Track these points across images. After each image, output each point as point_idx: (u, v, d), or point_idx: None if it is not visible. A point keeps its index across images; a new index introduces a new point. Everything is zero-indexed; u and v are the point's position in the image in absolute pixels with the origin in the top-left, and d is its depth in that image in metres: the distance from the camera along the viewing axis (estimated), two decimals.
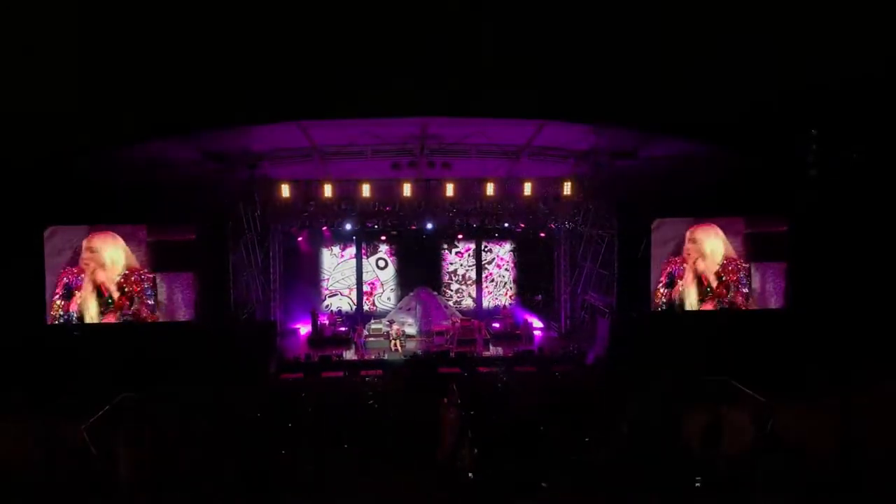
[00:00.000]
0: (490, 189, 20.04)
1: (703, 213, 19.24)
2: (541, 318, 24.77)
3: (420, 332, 23.36)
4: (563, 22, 11.03)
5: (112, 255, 17.89)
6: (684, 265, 19.26)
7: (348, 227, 23.21)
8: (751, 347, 17.09)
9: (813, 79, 12.22)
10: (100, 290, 17.88)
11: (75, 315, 17.75)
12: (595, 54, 11.70)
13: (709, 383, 14.98)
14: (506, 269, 26.71)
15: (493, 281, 26.71)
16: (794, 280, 19.17)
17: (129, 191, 17.20)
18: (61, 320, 17.65)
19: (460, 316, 24.30)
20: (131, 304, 17.96)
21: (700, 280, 19.39)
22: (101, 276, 17.86)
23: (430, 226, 22.69)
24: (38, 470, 10.91)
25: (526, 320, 24.00)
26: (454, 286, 26.47)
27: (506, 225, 24.32)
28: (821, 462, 10.36)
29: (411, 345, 22.08)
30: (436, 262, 26.24)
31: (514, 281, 26.66)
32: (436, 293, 25.34)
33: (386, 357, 20.59)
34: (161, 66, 11.27)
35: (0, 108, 12.07)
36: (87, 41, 10.41)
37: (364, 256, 26.04)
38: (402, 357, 20.43)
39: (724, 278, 19.40)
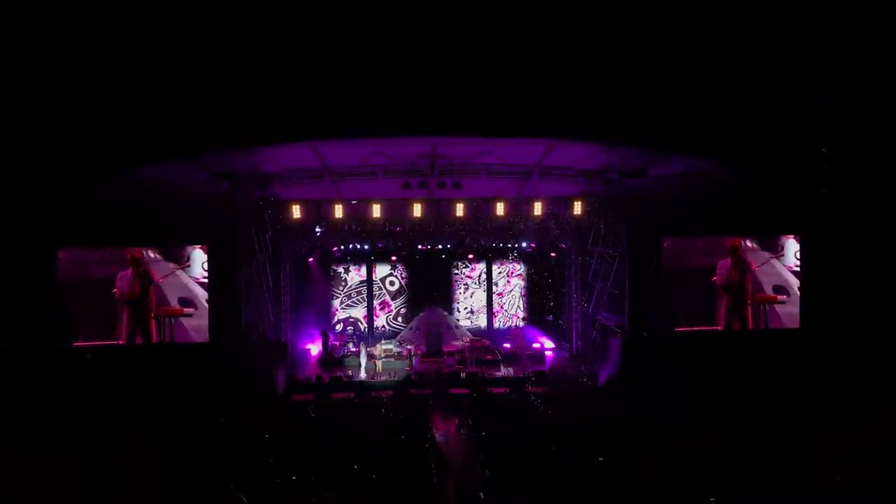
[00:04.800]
0: (500, 209, 20.06)
1: (716, 232, 19.13)
2: (552, 339, 24.63)
3: (430, 352, 23.27)
4: (570, 41, 11.09)
5: None
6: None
7: (359, 247, 23.26)
8: (764, 367, 16.91)
9: (822, 93, 12.20)
10: None
11: None
12: (604, 72, 11.75)
13: (722, 403, 14.80)
14: (516, 289, 26.65)
15: (503, 301, 26.64)
16: (808, 298, 18.97)
17: (140, 213, 17.31)
18: None
19: (471, 336, 24.22)
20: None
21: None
22: None
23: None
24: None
25: (537, 340, 23.88)
26: (465, 306, 26.42)
27: (517, 245, 24.31)
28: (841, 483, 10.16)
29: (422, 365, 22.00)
30: (446, 282, 26.22)
31: (525, 301, 26.58)
32: (446, 313, 25.29)
33: (396, 378, 20.52)
34: (172, 86, 11.40)
35: (14, 127, 12.20)
36: (99, 63, 10.56)
37: (374, 277, 26.06)
38: (413, 378, 20.36)
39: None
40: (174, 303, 18.17)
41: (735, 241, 18.96)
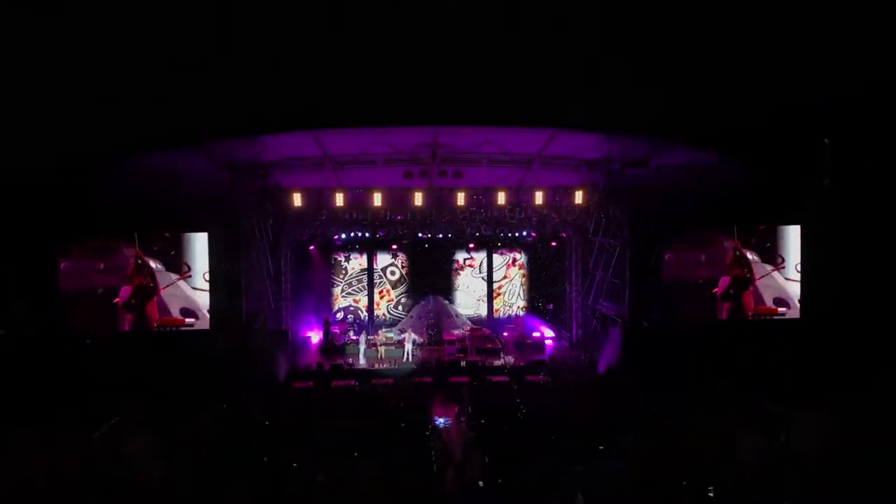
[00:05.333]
0: (501, 198, 20.04)
1: (716, 223, 19.14)
2: (552, 328, 24.68)
3: (431, 340, 23.33)
4: (575, 32, 11.05)
5: None
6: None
7: (359, 235, 23.27)
8: (764, 356, 16.96)
9: (824, 86, 12.18)
10: None
11: None
12: (606, 63, 11.73)
13: (721, 393, 14.88)
14: (517, 279, 26.68)
15: (503, 290, 26.68)
16: (808, 288, 19.01)
17: (141, 202, 17.32)
18: None
19: (471, 325, 24.27)
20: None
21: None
22: None
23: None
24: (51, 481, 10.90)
25: (537, 329, 23.94)
26: (465, 295, 26.45)
27: (517, 234, 24.32)
28: (834, 471, 10.23)
29: (422, 353, 22.09)
30: (447, 271, 26.25)
31: (526, 290, 26.62)
32: (447, 302, 25.33)
33: (397, 366, 20.60)
34: (174, 75, 11.39)
35: (17, 117, 12.18)
36: (103, 52, 10.53)
37: (375, 265, 26.09)
38: (412, 366, 20.45)
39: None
40: (176, 313, 18.22)
41: (735, 254, 19.10)
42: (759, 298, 19.17)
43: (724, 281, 19.06)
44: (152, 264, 17.93)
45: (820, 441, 11.24)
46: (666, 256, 18.93)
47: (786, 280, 19.14)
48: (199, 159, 16.96)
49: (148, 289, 17.95)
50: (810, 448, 11.17)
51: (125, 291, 17.90)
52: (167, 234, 18.17)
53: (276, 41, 10.72)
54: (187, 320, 18.17)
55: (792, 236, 19.12)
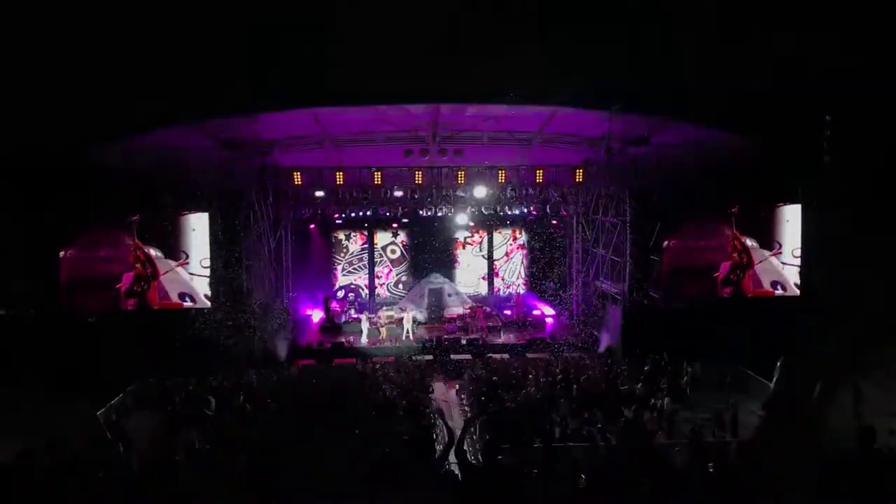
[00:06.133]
0: (502, 176, 19.99)
1: (717, 201, 19.11)
2: (553, 306, 24.75)
3: (431, 318, 23.40)
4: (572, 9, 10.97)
5: None
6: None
7: (360, 214, 23.27)
8: (763, 334, 16.99)
9: (828, 65, 12.09)
10: None
11: None
12: (604, 40, 11.64)
13: (721, 371, 14.95)
14: (517, 257, 26.70)
15: (504, 268, 26.72)
16: (808, 266, 19.03)
17: (142, 182, 17.28)
18: None
19: (472, 303, 24.33)
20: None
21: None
22: None
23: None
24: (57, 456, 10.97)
25: (538, 307, 24.00)
26: (465, 273, 26.49)
27: (518, 212, 24.30)
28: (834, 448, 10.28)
29: (422, 332, 22.16)
30: (447, 250, 26.27)
31: (526, 268, 26.66)
32: (447, 280, 25.37)
33: (398, 344, 20.69)
34: (176, 53, 11.31)
35: (22, 99, 12.10)
36: (106, 30, 10.45)
37: (376, 244, 26.10)
38: (414, 344, 20.53)
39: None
40: (175, 297, 18.40)
41: (734, 241, 19.30)
42: (757, 282, 19.51)
43: (724, 266, 19.34)
44: (151, 252, 18.12)
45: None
46: (668, 243, 19.05)
47: (783, 265, 19.39)
48: (200, 139, 16.88)
49: (148, 275, 18.17)
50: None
51: (127, 278, 18.11)
52: (168, 216, 18.23)
53: (276, 19, 10.64)
54: (186, 304, 18.36)
55: (789, 222, 19.31)
